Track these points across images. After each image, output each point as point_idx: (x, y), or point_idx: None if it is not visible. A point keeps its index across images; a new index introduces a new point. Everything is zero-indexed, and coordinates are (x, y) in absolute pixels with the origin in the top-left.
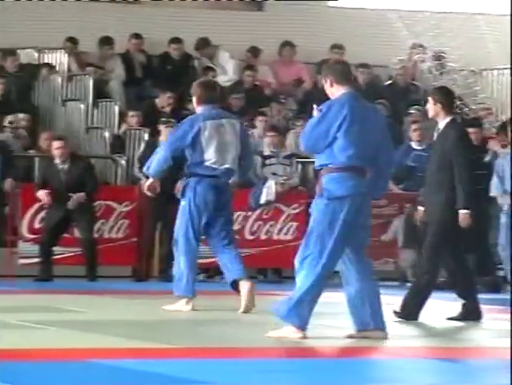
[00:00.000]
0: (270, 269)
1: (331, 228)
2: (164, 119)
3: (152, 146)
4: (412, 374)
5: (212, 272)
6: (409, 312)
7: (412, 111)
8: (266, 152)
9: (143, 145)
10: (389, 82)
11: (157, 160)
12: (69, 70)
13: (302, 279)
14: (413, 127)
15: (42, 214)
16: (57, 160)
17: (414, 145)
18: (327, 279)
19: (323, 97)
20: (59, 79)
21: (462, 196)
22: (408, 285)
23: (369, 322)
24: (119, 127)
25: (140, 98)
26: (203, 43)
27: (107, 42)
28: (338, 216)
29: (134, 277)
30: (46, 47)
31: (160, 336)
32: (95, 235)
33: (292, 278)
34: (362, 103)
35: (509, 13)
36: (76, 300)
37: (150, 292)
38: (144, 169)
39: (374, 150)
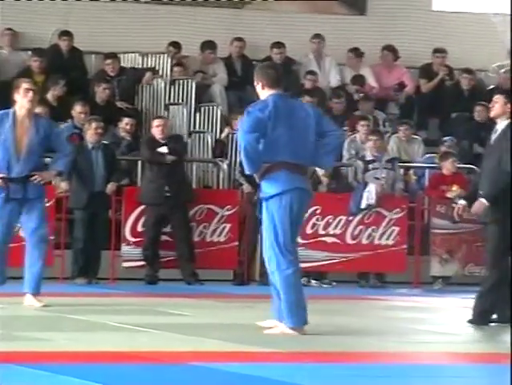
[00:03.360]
0: (372, 273)
1: (275, 224)
2: None
3: None
4: None
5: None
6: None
7: None
8: (369, 157)
9: None
10: (493, 86)
11: None
12: (172, 74)
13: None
14: None
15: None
16: (158, 137)
17: None
18: (297, 272)
19: (425, 101)
20: (162, 83)
21: (491, 187)
22: None
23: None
24: (222, 131)
25: (242, 102)
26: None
27: (209, 46)
28: (277, 212)
29: (235, 281)
30: (149, 52)
31: (261, 340)
32: (197, 238)
33: (395, 283)
34: (288, 103)
35: None
36: (178, 303)
37: (251, 296)
38: None
39: (305, 146)
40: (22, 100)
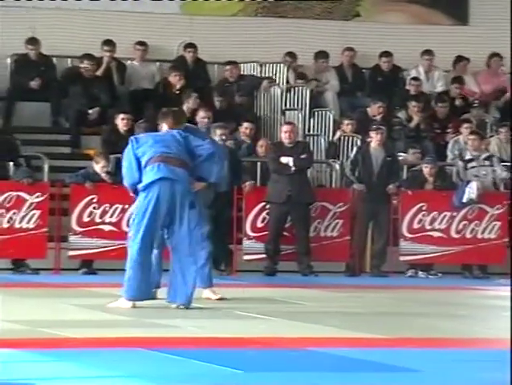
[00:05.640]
0: (475, 265)
1: (143, 213)
2: (375, 127)
3: (363, 151)
4: None
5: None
6: None
7: None
8: (468, 156)
9: (355, 150)
10: None
11: None
12: (288, 82)
13: (128, 258)
14: None
15: (264, 214)
16: (285, 141)
17: None
18: (147, 253)
19: None
20: (279, 91)
21: None
22: None
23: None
24: (334, 134)
25: (353, 107)
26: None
27: (322, 56)
28: (148, 202)
29: (347, 273)
30: (267, 61)
31: (374, 326)
32: (312, 233)
33: (496, 274)
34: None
35: None
36: (295, 293)
37: (362, 286)
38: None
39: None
40: None
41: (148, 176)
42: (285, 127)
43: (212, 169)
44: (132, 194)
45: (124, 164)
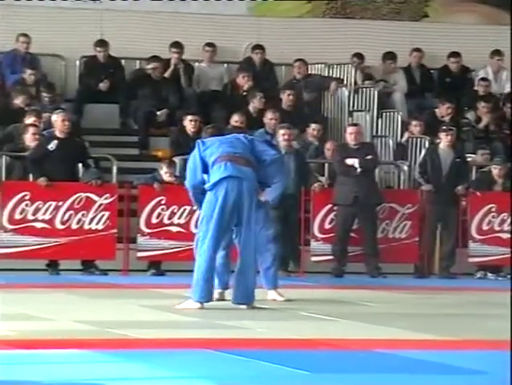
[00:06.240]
0: None
1: (212, 212)
2: (444, 128)
3: (432, 152)
4: None
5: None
6: None
7: None
8: None
9: (423, 152)
10: None
11: None
12: (355, 83)
13: (197, 259)
14: None
15: (332, 216)
16: (351, 143)
17: None
18: (215, 253)
19: None
20: (346, 92)
21: None
22: None
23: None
24: (402, 135)
25: (421, 108)
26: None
27: (390, 56)
28: (216, 200)
29: (416, 274)
30: (334, 63)
31: (440, 329)
32: (380, 235)
33: None
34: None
35: None
36: (363, 295)
37: (431, 288)
38: None
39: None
40: None
41: (216, 174)
42: (350, 129)
43: (274, 175)
44: (190, 196)
45: (189, 165)
